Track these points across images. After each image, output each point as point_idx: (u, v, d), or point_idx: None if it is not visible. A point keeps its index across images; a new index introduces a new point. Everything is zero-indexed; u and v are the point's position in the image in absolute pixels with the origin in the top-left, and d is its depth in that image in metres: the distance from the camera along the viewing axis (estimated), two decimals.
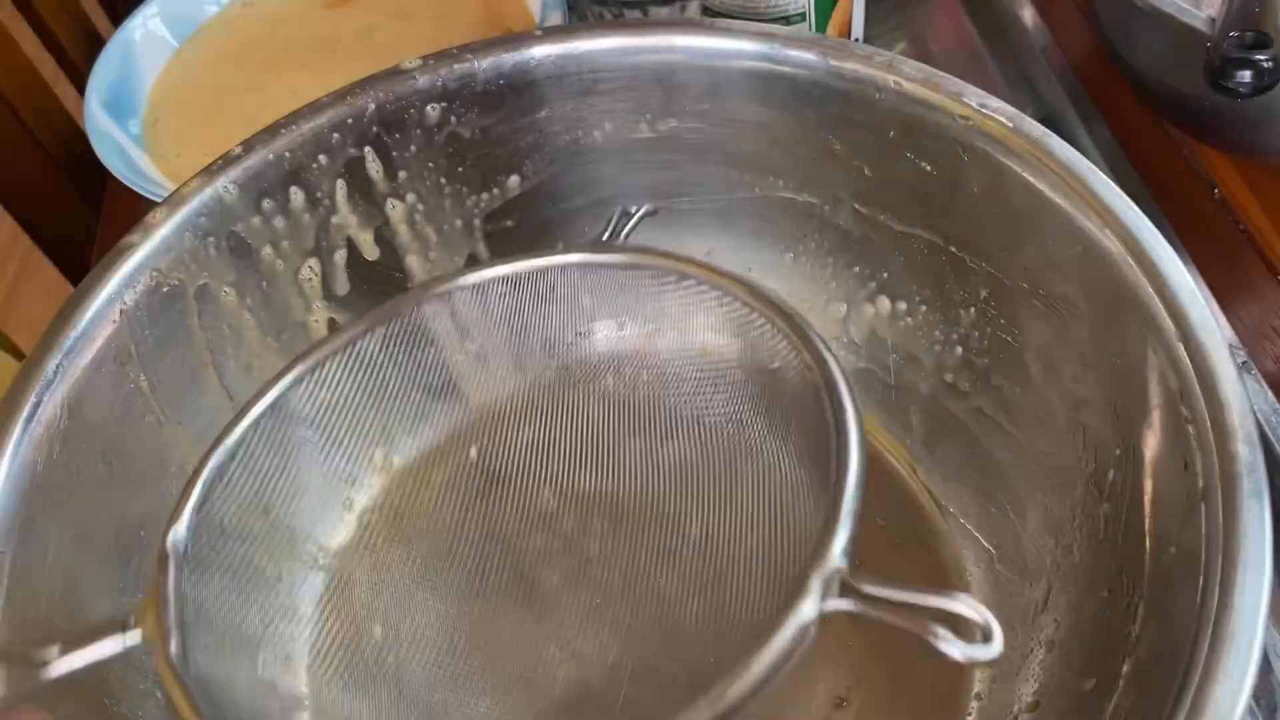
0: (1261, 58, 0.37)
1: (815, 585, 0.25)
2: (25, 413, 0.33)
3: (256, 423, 0.31)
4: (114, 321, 0.35)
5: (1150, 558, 0.31)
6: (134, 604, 0.35)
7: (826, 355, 0.31)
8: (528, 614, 0.34)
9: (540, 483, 0.36)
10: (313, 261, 0.41)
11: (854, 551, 0.26)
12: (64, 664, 0.25)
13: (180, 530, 0.28)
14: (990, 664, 0.23)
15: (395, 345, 0.35)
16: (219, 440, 0.31)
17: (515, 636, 0.34)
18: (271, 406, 0.32)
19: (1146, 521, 0.32)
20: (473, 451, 0.36)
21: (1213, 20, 0.39)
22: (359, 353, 0.34)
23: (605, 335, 0.37)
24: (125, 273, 0.36)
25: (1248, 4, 0.38)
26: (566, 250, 0.35)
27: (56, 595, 0.33)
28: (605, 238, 0.37)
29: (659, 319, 0.36)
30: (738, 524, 0.33)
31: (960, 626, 0.24)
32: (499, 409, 0.37)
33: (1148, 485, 0.32)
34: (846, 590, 0.25)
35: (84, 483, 0.34)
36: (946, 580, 0.41)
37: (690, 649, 0.32)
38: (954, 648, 0.24)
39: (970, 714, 0.38)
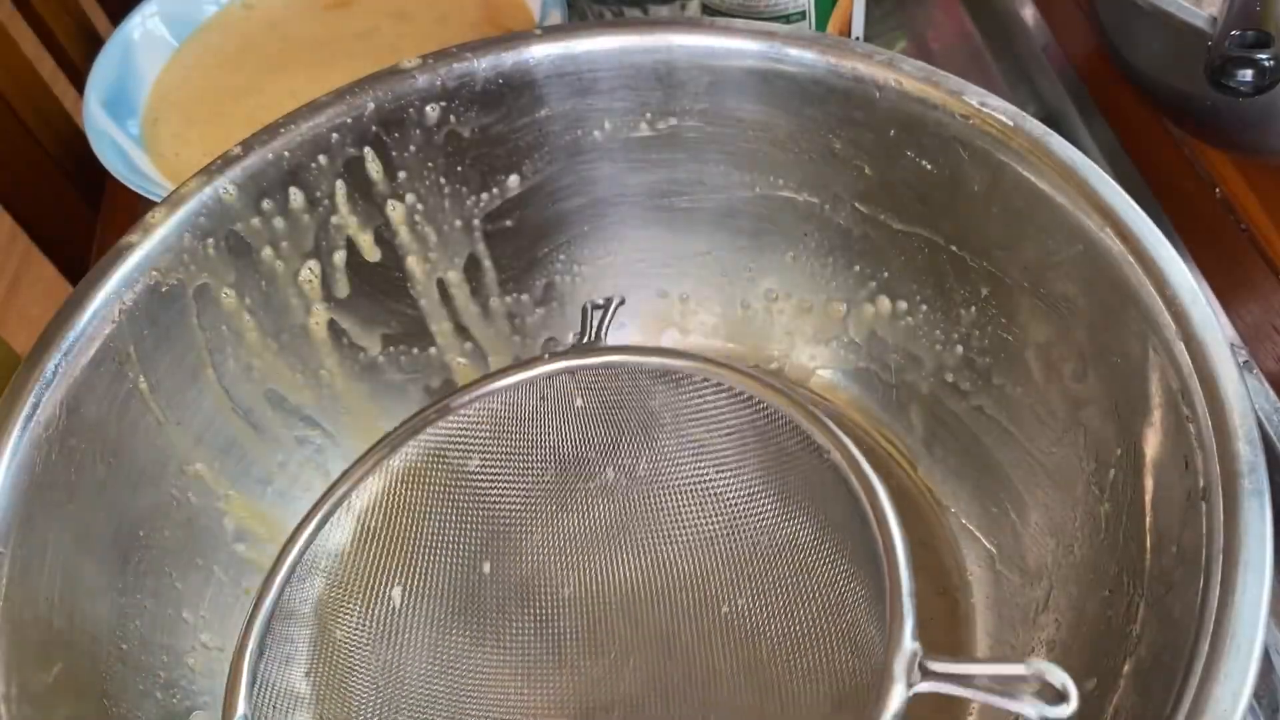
0: (1263, 57, 0.37)
1: (899, 672, 0.27)
2: (24, 413, 0.33)
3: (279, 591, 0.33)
4: (113, 321, 0.35)
5: (1151, 557, 0.31)
6: (133, 604, 0.35)
7: (840, 435, 0.32)
8: None
9: (559, 584, 0.36)
10: (312, 263, 0.41)
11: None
12: None
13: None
14: None
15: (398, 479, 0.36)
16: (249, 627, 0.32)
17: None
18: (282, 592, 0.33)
19: (1147, 521, 0.32)
20: (486, 567, 0.37)
21: (1214, 19, 0.39)
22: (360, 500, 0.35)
23: (602, 435, 0.38)
24: (124, 272, 0.36)
25: (1249, 3, 0.38)
26: (553, 359, 0.37)
27: (55, 595, 0.33)
28: (585, 340, 0.38)
29: (652, 414, 0.37)
30: (780, 617, 0.34)
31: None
32: (512, 519, 0.38)
33: (1148, 484, 0.32)
34: (926, 673, 0.27)
35: (83, 483, 0.34)
36: (947, 579, 0.41)
37: None
38: (1033, 709, 0.24)
39: (970, 714, 0.38)
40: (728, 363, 0.35)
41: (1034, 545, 0.38)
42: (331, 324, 0.42)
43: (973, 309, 0.40)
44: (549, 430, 0.38)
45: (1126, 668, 0.31)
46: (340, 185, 0.40)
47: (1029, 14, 0.58)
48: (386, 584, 0.36)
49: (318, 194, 0.40)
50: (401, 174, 0.41)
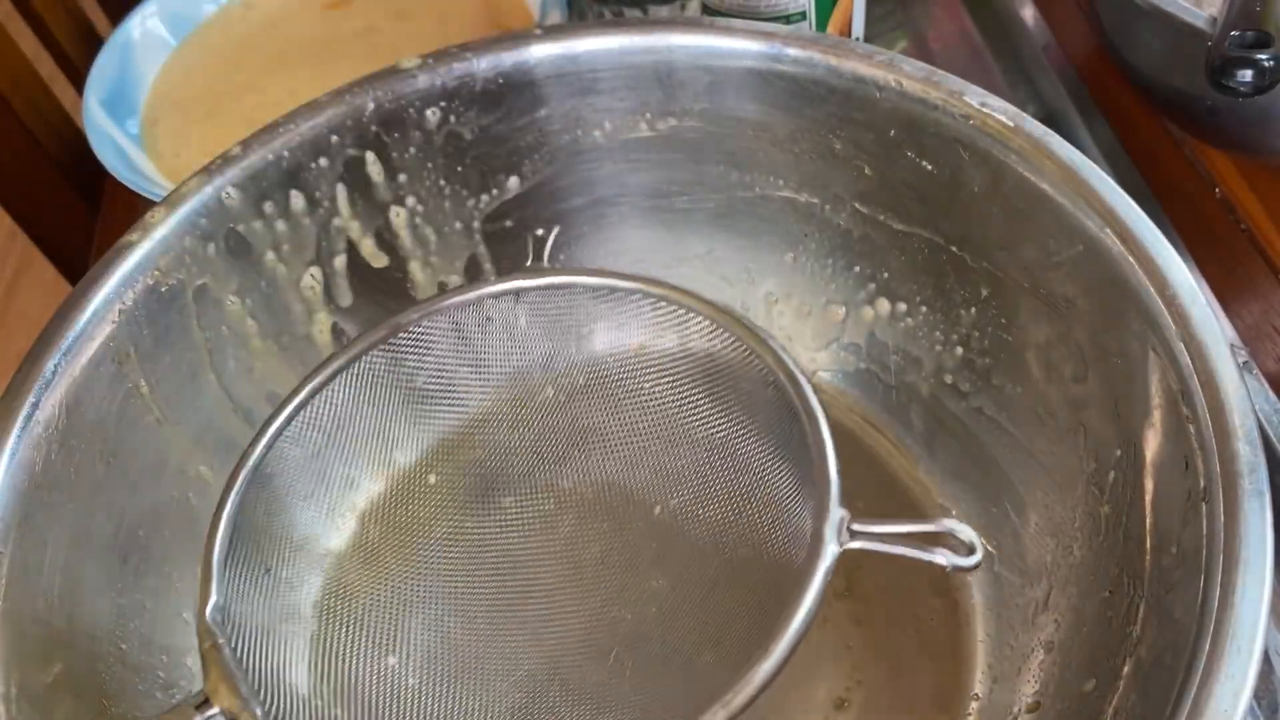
0: (1262, 57, 0.37)
1: (829, 534, 0.29)
2: (24, 412, 0.33)
3: (247, 482, 0.32)
4: (112, 321, 0.35)
5: (1151, 557, 0.31)
6: (132, 604, 0.35)
7: (769, 341, 0.33)
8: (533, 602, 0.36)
9: (501, 493, 0.38)
10: (314, 270, 0.41)
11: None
12: None
13: (212, 604, 0.30)
14: (971, 570, 0.29)
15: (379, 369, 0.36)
16: (224, 499, 0.32)
17: (517, 633, 0.35)
18: (259, 461, 0.33)
19: (1147, 521, 0.32)
20: (431, 479, 0.39)
21: (1214, 19, 0.39)
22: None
23: (543, 352, 0.39)
24: (124, 272, 0.36)
25: (1249, 3, 0.38)
26: (500, 280, 0.37)
27: (55, 595, 0.33)
28: (530, 262, 0.38)
29: (592, 327, 0.38)
30: (716, 510, 0.36)
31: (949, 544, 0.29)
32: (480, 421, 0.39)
33: (1148, 485, 0.32)
34: (854, 534, 0.29)
35: (83, 483, 0.34)
36: (947, 579, 0.41)
37: (701, 624, 0.34)
38: (942, 558, 0.28)
39: (970, 714, 0.38)
40: (666, 282, 0.36)
41: (1034, 546, 0.38)
42: (335, 328, 0.42)
43: (973, 309, 0.40)
44: (494, 349, 0.38)
45: (1126, 668, 0.31)
46: (341, 188, 0.40)
47: (1029, 14, 0.58)
48: (341, 489, 0.37)
49: (318, 194, 0.40)
50: (402, 175, 0.41)
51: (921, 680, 0.39)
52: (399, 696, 0.33)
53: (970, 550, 0.28)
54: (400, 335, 0.36)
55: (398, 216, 0.41)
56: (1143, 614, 0.31)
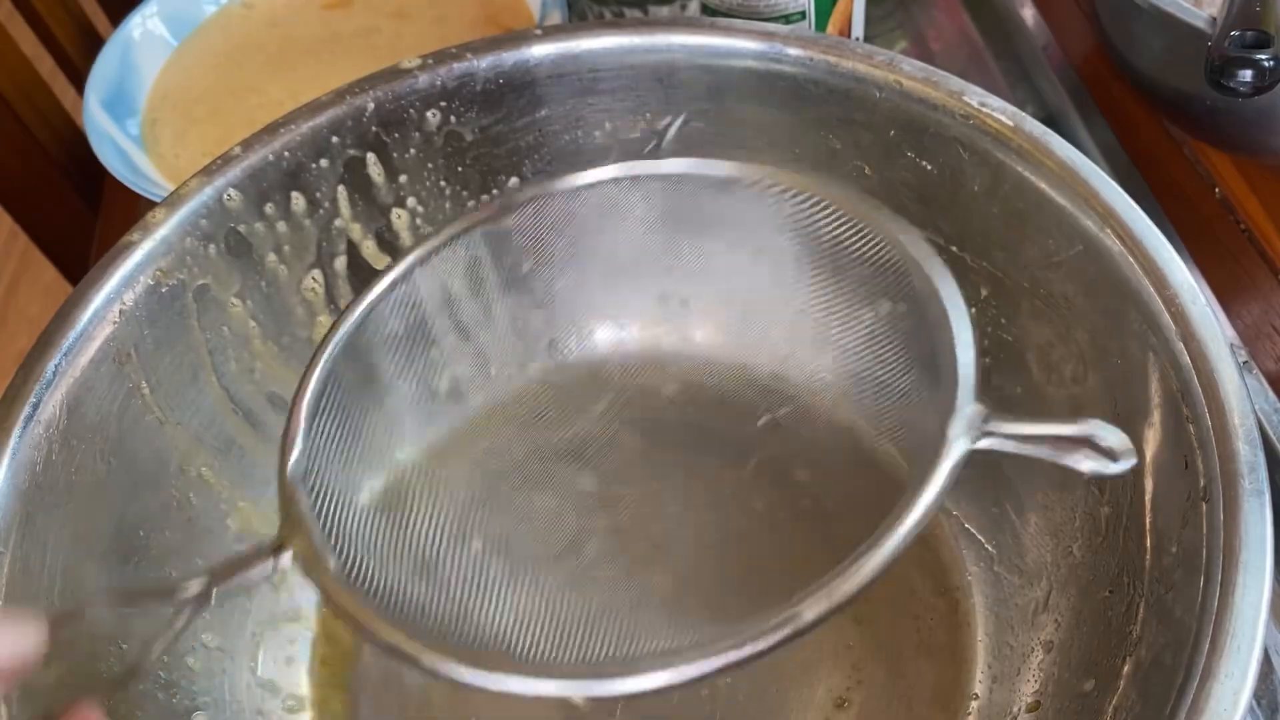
0: (1262, 57, 0.37)
1: (961, 429, 0.26)
2: (24, 412, 0.33)
3: (342, 346, 0.31)
4: (113, 321, 0.35)
5: (1151, 557, 0.31)
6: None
7: (908, 226, 0.31)
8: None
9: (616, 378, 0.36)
10: (315, 273, 0.41)
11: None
12: (221, 592, 0.27)
13: (295, 457, 0.29)
14: (1119, 477, 0.25)
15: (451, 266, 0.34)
16: (310, 370, 0.31)
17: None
18: (353, 332, 0.32)
19: (1147, 521, 0.32)
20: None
21: (1213, 19, 0.39)
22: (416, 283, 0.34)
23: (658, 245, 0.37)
24: (124, 272, 0.36)
25: (1248, 3, 0.38)
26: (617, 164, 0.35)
27: (55, 595, 0.33)
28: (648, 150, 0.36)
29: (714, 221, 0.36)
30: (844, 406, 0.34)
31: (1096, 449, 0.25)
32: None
33: (1148, 485, 0.32)
34: (988, 434, 0.26)
35: (83, 482, 0.34)
36: (947, 579, 0.41)
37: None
38: (1086, 462, 0.25)
39: (970, 714, 0.38)
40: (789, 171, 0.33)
41: (1033, 545, 0.38)
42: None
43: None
44: (607, 237, 0.36)
45: (1126, 668, 0.31)
46: (341, 189, 0.40)
47: (1029, 14, 0.58)
48: (439, 372, 0.35)
49: (318, 195, 0.40)
50: (402, 176, 0.41)
51: (921, 680, 0.39)
52: (480, 584, 0.31)
53: (1114, 457, 0.25)
54: (509, 216, 0.34)
55: (399, 218, 0.42)
56: (1142, 613, 0.31)
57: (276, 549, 0.28)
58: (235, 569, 0.27)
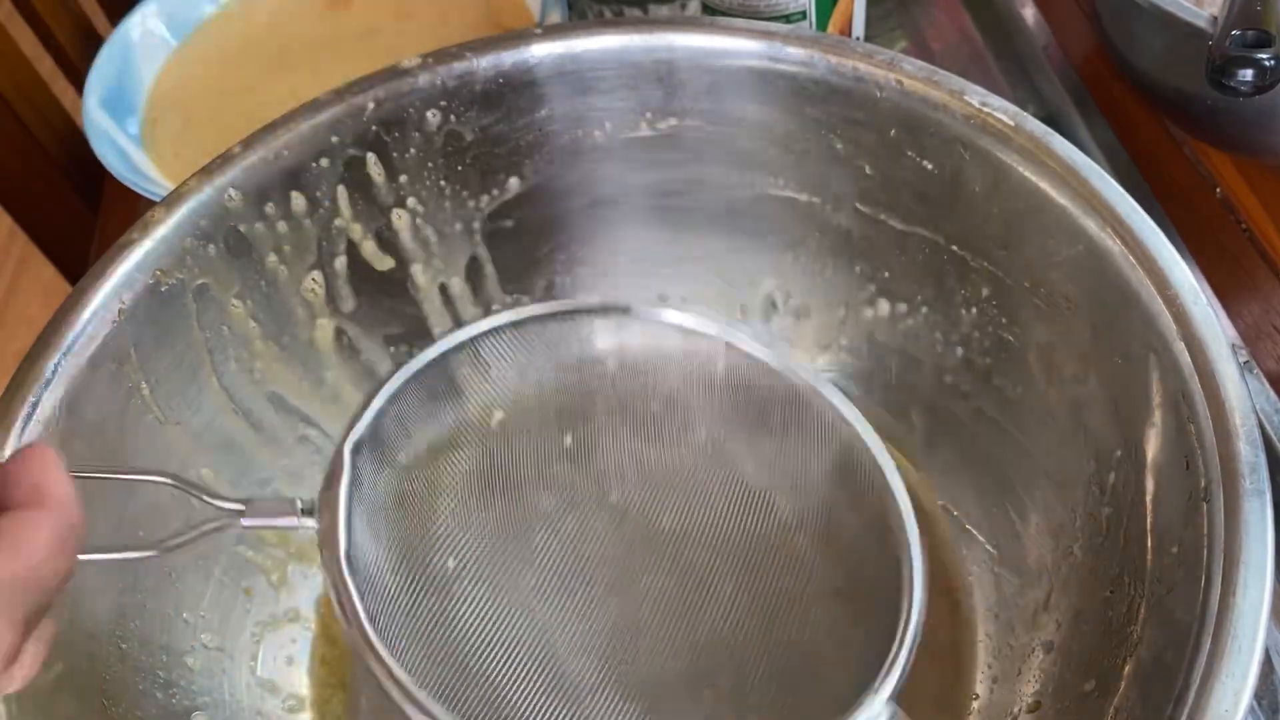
0: (1263, 56, 0.37)
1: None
2: (23, 412, 0.33)
3: (420, 372, 0.32)
4: (112, 321, 0.35)
5: (1152, 557, 0.31)
6: (132, 603, 0.35)
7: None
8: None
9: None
10: (316, 274, 0.41)
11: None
12: (250, 522, 0.29)
13: (357, 438, 0.30)
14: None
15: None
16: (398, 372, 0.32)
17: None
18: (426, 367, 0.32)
19: (1148, 521, 0.32)
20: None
21: (1214, 19, 0.39)
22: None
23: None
24: (124, 272, 0.36)
25: (1249, 3, 0.38)
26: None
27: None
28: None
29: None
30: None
31: None
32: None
33: (1149, 485, 0.32)
34: None
35: (83, 482, 0.34)
36: (948, 579, 0.41)
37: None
38: None
39: (971, 714, 0.38)
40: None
41: (1034, 546, 0.38)
42: (338, 331, 0.42)
43: (973, 310, 0.40)
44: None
45: (1127, 668, 0.31)
46: (341, 189, 0.40)
47: (1029, 14, 0.58)
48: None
49: (318, 194, 0.40)
50: (403, 176, 0.41)
51: (922, 680, 0.39)
52: (469, 597, 0.32)
53: None
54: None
55: (399, 218, 0.41)
56: (1143, 614, 0.31)
57: (307, 512, 0.29)
58: (269, 511, 0.29)
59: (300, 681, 0.40)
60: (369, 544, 0.30)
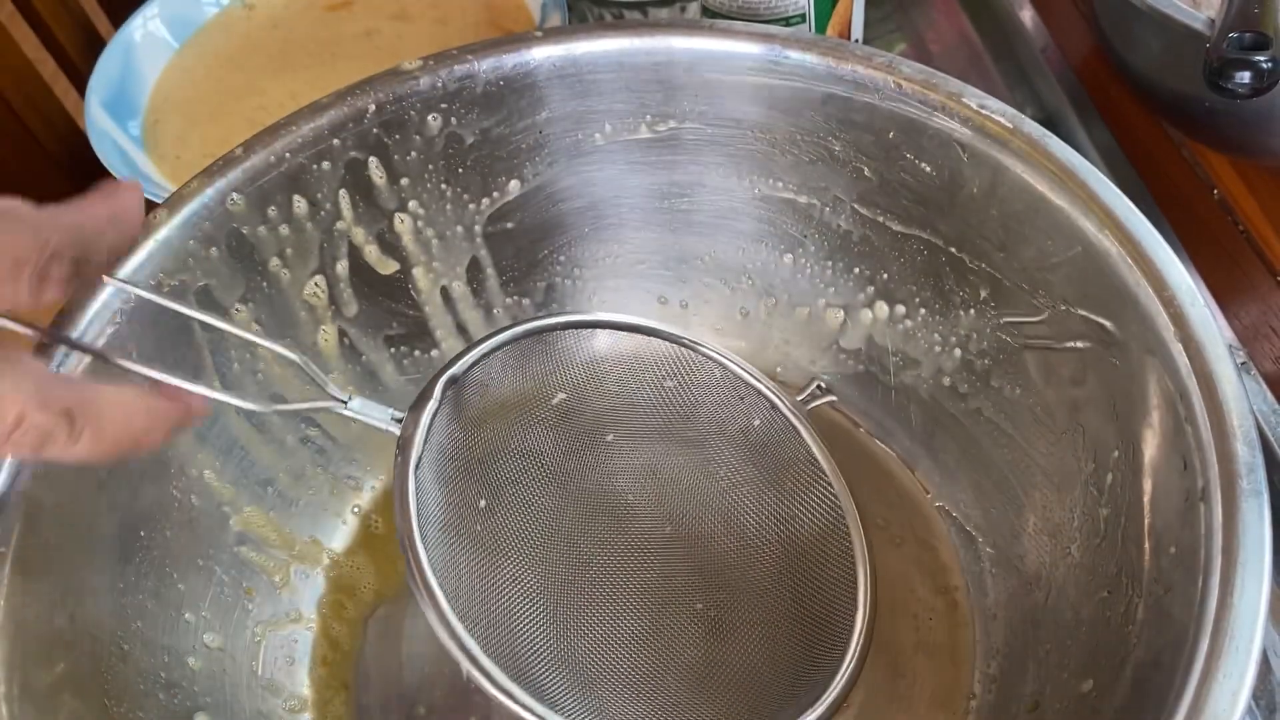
0: (1260, 59, 0.37)
1: None
2: None
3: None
4: (114, 322, 0.35)
5: (1149, 558, 0.31)
6: (134, 604, 0.35)
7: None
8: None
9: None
10: (319, 278, 0.41)
11: None
12: (353, 412, 0.33)
13: (450, 375, 0.34)
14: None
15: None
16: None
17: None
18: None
19: (1146, 522, 0.32)
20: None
21: (1212, 21, 0.39)
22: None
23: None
24: (125, 273, 0.36)
25: (1247, 5, 0.38)
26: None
27: (57, 595, 0.33)
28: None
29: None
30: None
31: None
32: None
33: (1147, 485, 0.32)
34: None
35: (84, 483, 0.34)
36: (946, 579, 0.41)
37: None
38: None
39: (969, 714, 0.38)
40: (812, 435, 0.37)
41: (1032, 546, 0.38)
42: (340, 333, 0.42)
43: (971, 311, 0.40)
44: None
45: (1125, 669, 0.31)
46: (343, 192, 0.40)
47: (1028, 16, 0.58)
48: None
49: (320, 197, 0.40)
50: (404, 179, 0.41)
51: (920, 679, 0.39)
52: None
53: None
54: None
55: (401, 221, 0.42)
56: (1141, 614, 0.31)
57: (396, 420, 0.33)
58: (368, 408, 0.33)
59: (301, 682, 0.40)
60: (432, 465, 0.34)
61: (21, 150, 0.63)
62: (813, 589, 0.36)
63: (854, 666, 0.33)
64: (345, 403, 0.33)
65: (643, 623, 0.36)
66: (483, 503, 0.36)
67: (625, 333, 0.38)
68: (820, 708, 0.32)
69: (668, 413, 0.38)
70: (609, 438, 0.38)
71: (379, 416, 0.33)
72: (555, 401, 0.38)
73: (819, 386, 0.39)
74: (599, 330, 0.37)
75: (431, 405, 0.33)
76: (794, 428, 0.37)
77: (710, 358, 0.38)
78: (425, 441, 0.33)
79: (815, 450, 0.37)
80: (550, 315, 0.37)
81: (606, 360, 0.38)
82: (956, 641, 0.40)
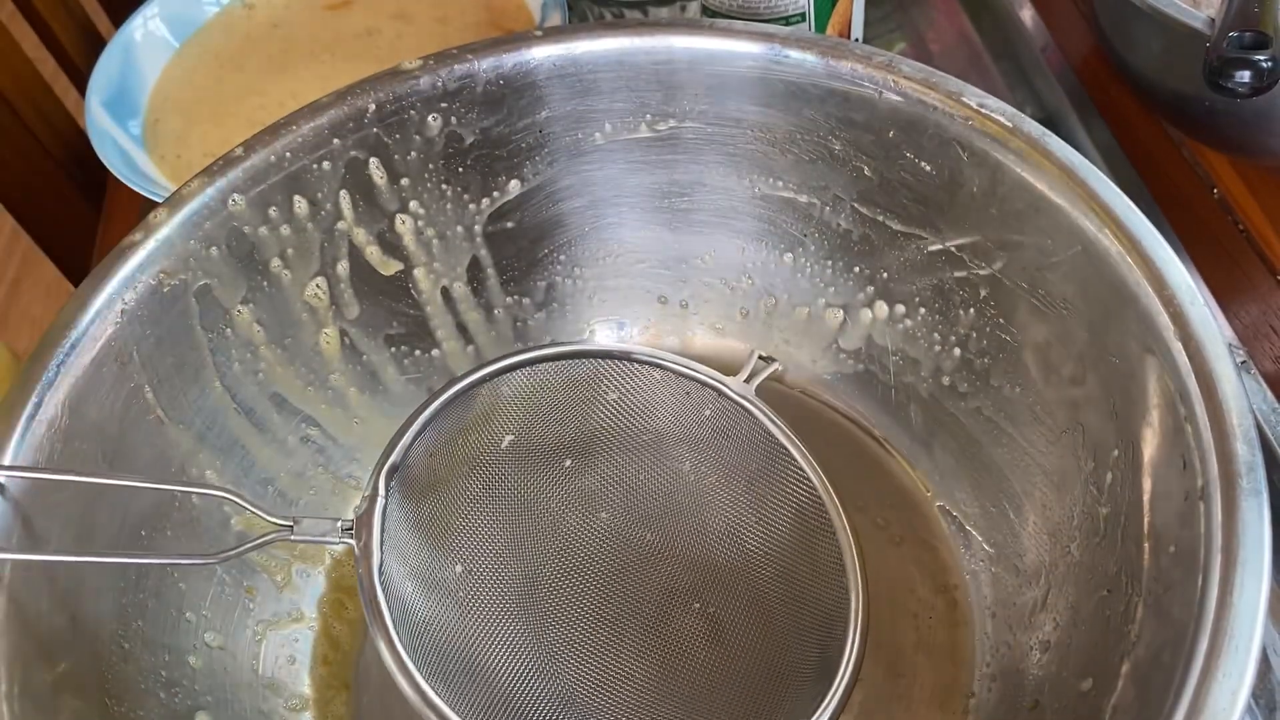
0: (1260, 58, 0.37)
1: None
2: (26, 412, 0.33)
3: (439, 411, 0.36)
4: (115, 322, 0.35)
5: (1149, 557, 0.31)
6: (134, 603, 0.35)
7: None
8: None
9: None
10: (320, 280, 0.41)
11: None
12: (300, 536, 0.33)
13: (389, 465, 0.34)
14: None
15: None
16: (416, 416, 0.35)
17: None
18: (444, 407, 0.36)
19: (1145, 521, 0.32)
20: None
21: (1212, 20, 0.39)
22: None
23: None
24: (126, 273, 0.36)
25: (1247, 5, 0.38)
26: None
27: (57, 595, 0.33)
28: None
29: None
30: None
31: None
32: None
33: (1146, 484, 0.32)
34: None
35: (84, 483, 0.34)
36: (946, 578, 0.41)
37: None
38: None
39: (969, 713, 0.38)
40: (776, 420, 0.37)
41: (1032, 545, 0.38)
42: (342, 334, 0.42)
43: (971, 310, 0.40)
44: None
45: (1125, 667, 0.31)
46: (344, 192, 0.40)
47: (1028, 16, 0.58)
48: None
49: (320, 197, 0.40)
50: (404, 179, 0.41)
51: (920, 678, 0.39)
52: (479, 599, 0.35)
53: None
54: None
55: (401, 222, 0.42)
56: (1141, 613, 0.31)
57: (347, 530, 0.33)
58: (315, 529, 0.33)
59: (302, 681, 0.40)
60: (396, 558, 0.33)
61: (22, 150, 0.63)
62: (804, 569, 0.35)
63: (857, 647, 0.33)
64: (291, 528, 0.33)
65: (646, 639, 0.36)
66: (459, 568, 0.36)
67: (549, 362, 0.37)
68: (831, 705, 0.32)
69: (618, 425, 0.38)
70: (567, 463, 0.38)
71: (327, 529, 0.33)
72: (505, 445, 0.37)
73: (760, 358, 0.38)
74: (518, 371, 0.37)
75: (380, 503, 0.33)
76: (745, 409, 0.37)
77: (644, 361, 0.37)
78: (383, 544, 0.33)
79: (771, 427, 0.36)
80: (465, 376, 0.36)
81: (541, 391, 0.38)
82: (956, 641, 0.40)
